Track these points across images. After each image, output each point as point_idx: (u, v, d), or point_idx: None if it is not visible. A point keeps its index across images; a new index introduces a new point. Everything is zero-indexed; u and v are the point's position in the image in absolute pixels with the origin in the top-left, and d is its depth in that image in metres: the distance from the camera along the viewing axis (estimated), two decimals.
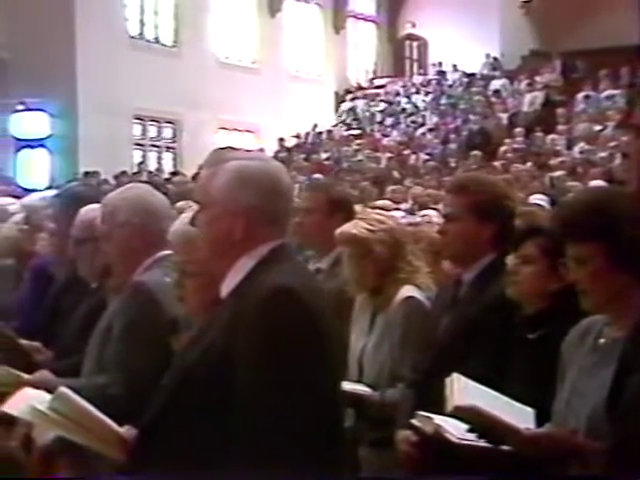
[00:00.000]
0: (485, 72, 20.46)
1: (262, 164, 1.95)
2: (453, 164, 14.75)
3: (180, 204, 3.37)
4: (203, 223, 1.93)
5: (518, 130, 15.62)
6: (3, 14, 17.35)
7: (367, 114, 21.05)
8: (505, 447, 2.16)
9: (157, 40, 19.96)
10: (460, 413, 2.24)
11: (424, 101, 20.31)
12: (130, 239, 2.66)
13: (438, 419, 2.38)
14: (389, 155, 16.60)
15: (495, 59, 20.69)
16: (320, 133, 20.52)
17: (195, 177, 14.60)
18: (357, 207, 4.05)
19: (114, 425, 2.03)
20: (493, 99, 18.44)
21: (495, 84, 19.11)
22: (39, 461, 2.52)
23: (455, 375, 2.32)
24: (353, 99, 22.02)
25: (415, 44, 24.27)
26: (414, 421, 2.52)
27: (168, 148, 20.20)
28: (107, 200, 2.78)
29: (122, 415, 2.07)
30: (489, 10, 20.93)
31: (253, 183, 1.88)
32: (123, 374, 2.49)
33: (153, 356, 2.46)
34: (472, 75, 20.55)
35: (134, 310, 2.56)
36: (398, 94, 21.43)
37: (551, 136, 15.17)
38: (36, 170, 17.77)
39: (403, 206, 9.54)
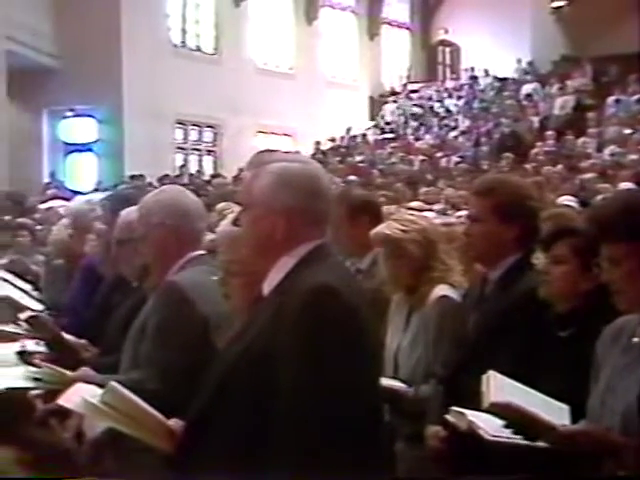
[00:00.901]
0: (517, 76, 20.30)
1: (302, 166, 1.94)
2: (485, 166, 14.63)
3: (220, 205, 3.38)
4: (246, 223, 1.93)
5: (549, 133, 15.47)
6: (54, 27, 17.62)
7: (401, 118, 20.99)
8: (540, 444, 2.14)
9: (198, 48, 20.10)
10: (496, 409, 2.21)
11: (456, 105, 20.23)
12: (164, 240, 2.67)
13: (471, 415, 2.36)
14: (422, 158, 16.52)
15: (529, 63, 20.54)
16: (355, 136, 20.51)
17: (235, 179, 14.67)
18: (391, 208, 4.03)
19: (162, 417, 2.04)
20: (525, 103, 18.28)
21: (527, 88, 18.94)
22: (89, 451, 2.55)
23: (491, 372, 2.30)
24: (391, 102, 21.94)
25: (448, 50, 24.19)
26: (448, 417, 2.51)
27: (209, 151, 20.35)
28: (142, 203, 2.79)
29: (158, 409, 2.08)
30: (520, 16, 20.78)
31: (294, 184, 1.88)
32: (156, 370, 2.49)
33: (185, 352, 2.47)
34: (504, 80, 20.41)
35: (166, 308, 2.56)
36: (431, 98, 21.36)
37: (582, 139, 15.00)
38: (84, 173, 17.99)
39: (436, 207, 9.49)
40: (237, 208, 3.52)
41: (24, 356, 3.39)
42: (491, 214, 2.76)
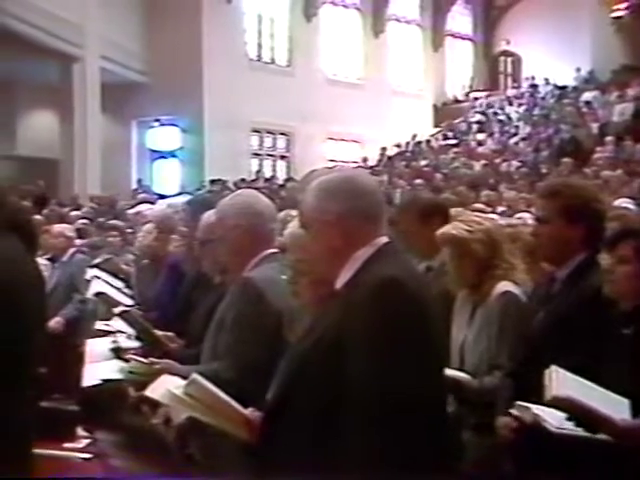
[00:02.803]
0: (576, 85, 19.89)
1: (339, 174, 1.97)
2: (544, 170, 14.36)
3: (282, 214, 3.41)
4: (309, 241, 1.96)
5: (609, 139, 15.09)
6: (143, 46, 18.14)
7: (463, 125, 20.79)
8: (601, 436, 2.09)
9: (273, 61, 20.27)
10: (557, 403, 2.19)
11: (517, 112, 19.92)
12: (240, 240, 2.69)
13: (536, 409, 2.33)
14: (483, 162, 16.32)
15: (589, 72, 20.13)
16: (419, 142, 20.39)
17: (301, 181, 14.72)
18: (456, 210, 4.00)
19: (240, 407, 2.05)
20: (584, 110, 17.89)
21: (586, 96, 18.54)
22: (175, 437, 2.59)
23: (554, 367, 2.27)
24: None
25: (509, 60, 23.91)
26: (513, 410, 2.48)
27: (282, 157, 20.49)
28: (220, 206, 2.83)
29: (233, 397, 2.09)
30: (580, 27, 20.37)
31: (334, 192, 1.90)
32: (233, 361, 2.51)
33: (260, 344, 2.49)
34: (564, 88, 20.03)
35: (242, 303, 2.58)
36: (492, 106, 21.09)
37: None
38: (168, 178, 18.33)
39: (498, 209, 9.36)
40: (295, 214, 3.54)
41: (117, 351, 3.47)
42: (558, 216, 2.74)
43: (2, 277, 2.13)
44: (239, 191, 2.95)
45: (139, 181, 18.09)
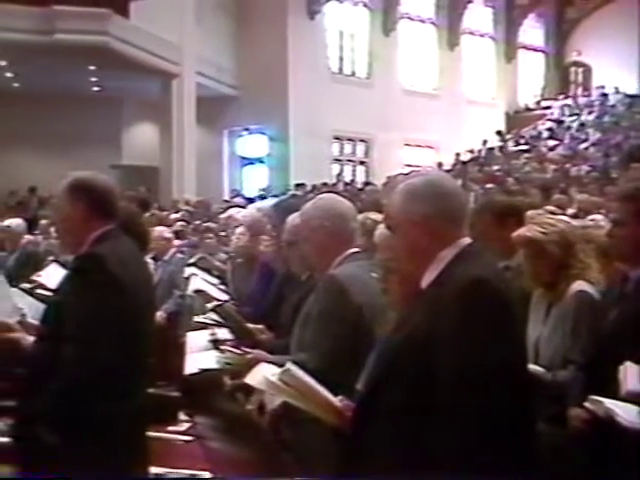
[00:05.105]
0: None
1: (422, 177, 1.94)
2: (614, 175, 13.92)
3: (361, 217, 3.39)
4: (397, 243, 1.95)
5: None
6: (234, 62, 18.46)
7: (534, 132, 20.35)
8: None
9: (353, 73, 20.31)
10: (631, 397, 2.13)
11: (587, 120, 19.38)
12: (324, 240, 2.69)
13: (609, 403, 2.27)
14: (554, 167, 15.93)
15: None
16: (492, 148, 20.07)
17: (384, 186, 14.66)
18: (531, 212, 3.91)
19: (330, 395, 2.06)
20: None
21: None
22: (269, 421, 2.62)
23: (628, 363, 2.21)
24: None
25: (580, 70, 23.34)
26: (586, 404, 2.42)
27: (361, 162, 20.50)
28: (304, 209, 2.84)
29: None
30: None
31: (419, 195, 1.88)
32: (317, 352, 2.52)
33: (342, 337, 2.49)
34: (634, 96, 19.39)
35: (326, 299, 2.58)
36: (563, 114, 20.59)
37: None
38: (257, 183, 18.58)
39: (569, 211, 9.12)
40: (374, 216, 3.53)
41: (216, 343, 3.54)
42: (633, 218, 2.66)
43: (119, 278, 2.21)
44: (321, 195, 2.95)
45: (233, 190, 18.38)
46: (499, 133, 20.58)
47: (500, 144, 20.32)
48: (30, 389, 2.33)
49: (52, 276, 3.86)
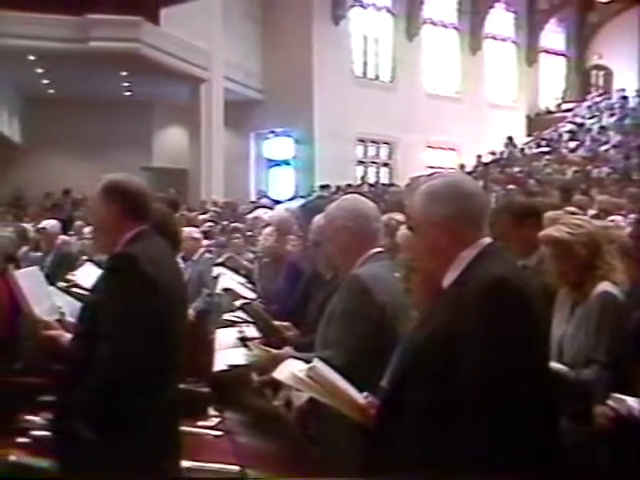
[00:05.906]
0: None
1: (442, 179, 1.93)
2: (635, 177, 13.74)
3: (385, 217, 3.37)
4: (418, 243, 1.94)
5: None
6: (261, 67, 18.53)
7: (555, 134, 20.17)
8: None
9: (377, 77, 20.28)
10: None
11: (608, 122, 19.16)
12: (348, 240, 2.68)
13: (632, 401, 2.25)
14: (575, 169, 15.77)
15: None
16: (514, 146, 19.93)
17: (407, 187, 14.62)
18: (556, 213, 3.88)
19: (354, 392, 2.07)
20: None
21: None
22: (296, 417, 2.63)
23: None
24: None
25: (601, 73, 23.10)
26: (609, 402, 2.40)
27: (384, 164, 20.46)
28: (328, 210, 2.83)
29: None
30: None
31: (440, 196, 1.87)
32: (340, 349, 2.51)
33: (365, 335, 2.48)
34: None
35: (350, 297, 2.57)
36: (584, 116, 20.38)
37: None
38: (283, 184, 18.63)
39: (590, 212, 9.01)
40: (398, 217, 3.52)
41: (244, 340, 3.56)
42: None
43: (152, 277, 2.23)
44: (345, 196, 2.94)
45: (259, 192, 18.44)
46: (510, 139, 20.43)
47: (522, 146, 20.14)
48: (68, 385, 2.36)
49: (87, 275, 3.90)
